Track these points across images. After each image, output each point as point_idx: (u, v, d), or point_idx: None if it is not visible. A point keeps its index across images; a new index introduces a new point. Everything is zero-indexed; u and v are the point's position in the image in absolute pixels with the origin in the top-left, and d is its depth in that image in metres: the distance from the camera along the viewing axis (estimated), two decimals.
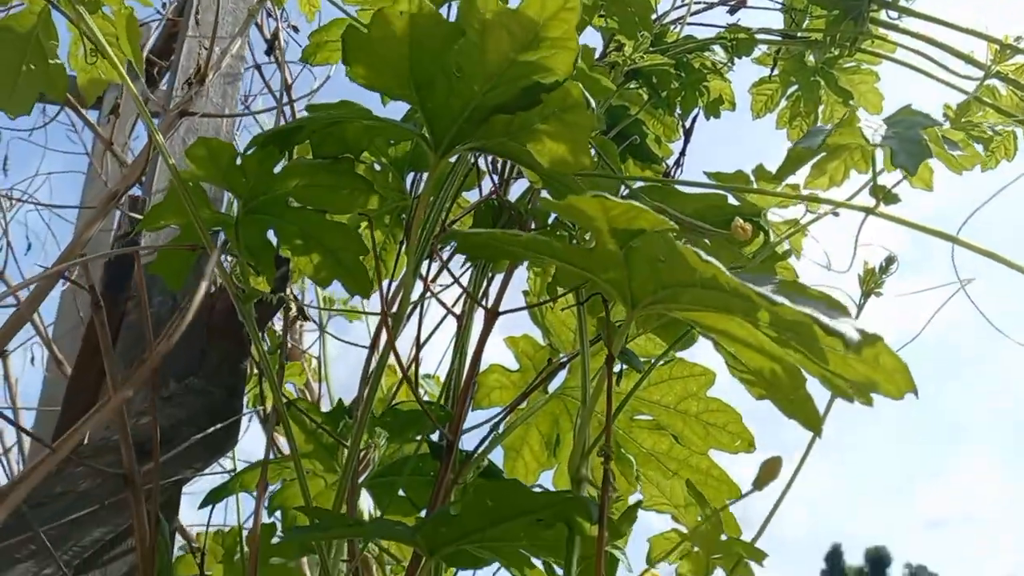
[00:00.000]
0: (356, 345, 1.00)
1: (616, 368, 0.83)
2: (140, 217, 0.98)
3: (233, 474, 0.92)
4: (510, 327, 1.00)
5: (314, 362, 1.47)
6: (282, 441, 1.21)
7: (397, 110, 0.95)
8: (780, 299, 0.41)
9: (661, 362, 0.91)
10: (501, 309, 0.83)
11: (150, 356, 0.75)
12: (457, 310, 0.99)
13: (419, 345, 0.98)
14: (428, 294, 0.99)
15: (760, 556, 0.59)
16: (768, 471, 0.52)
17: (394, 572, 1.09)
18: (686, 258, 0.47)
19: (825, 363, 0.52)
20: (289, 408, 0.91)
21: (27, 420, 2.29)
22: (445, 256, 1.07)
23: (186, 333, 0.95)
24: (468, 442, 0.87)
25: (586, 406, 0.65)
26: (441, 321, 1.03)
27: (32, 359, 2.14)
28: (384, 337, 0.95)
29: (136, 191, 1.05)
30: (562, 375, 1.01)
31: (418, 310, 1.00)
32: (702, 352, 0.95)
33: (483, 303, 0.86)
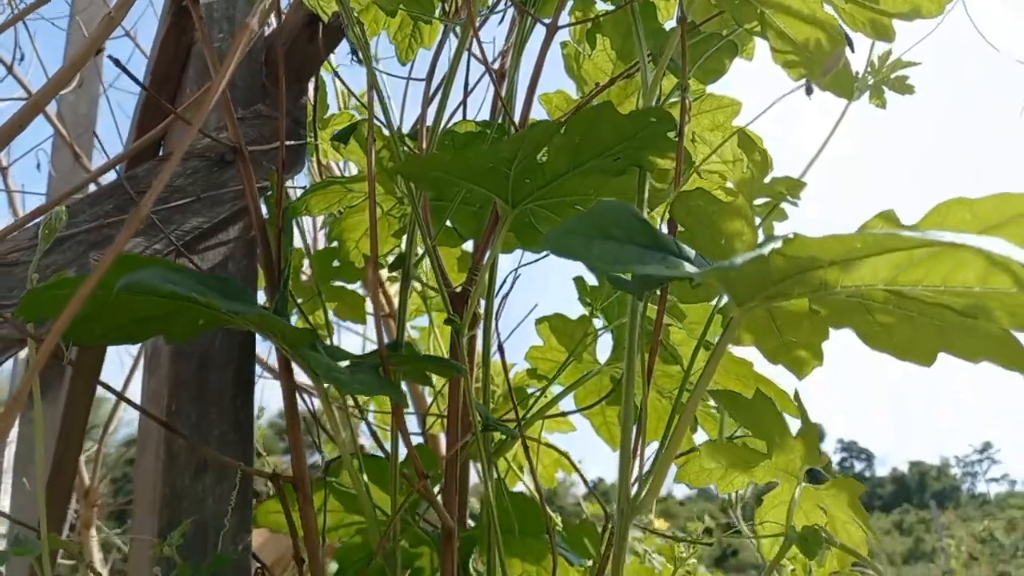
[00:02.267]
0: (413, 79, 1.07)
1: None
2: None
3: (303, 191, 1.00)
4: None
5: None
6: (344, 166, 1.29)
7: None
8: None
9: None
10: (559, 24, 0.91)
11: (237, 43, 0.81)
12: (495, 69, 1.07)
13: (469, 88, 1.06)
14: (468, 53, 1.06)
15: (798, 187, 0.71)
16: (835, 59, 0.62)
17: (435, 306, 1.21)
18: None
19: (875, 2, 0.62)
20: (355, 130, 0.99)
21: None
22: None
23: (245, 69, 1.01)
24: None
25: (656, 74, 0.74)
26: (482, 77, 1.10)
27: (38, 165, 2.16)
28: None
29: None
30: None
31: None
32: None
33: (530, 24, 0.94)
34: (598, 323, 0.99)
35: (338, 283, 1.10)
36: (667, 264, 0.51)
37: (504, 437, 0.93)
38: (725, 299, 0.67)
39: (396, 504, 0.75)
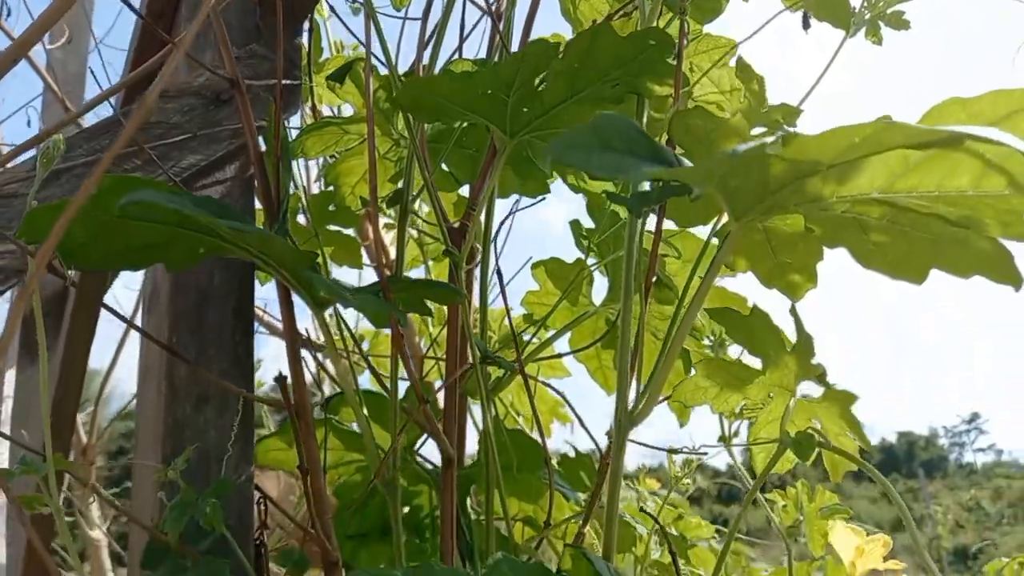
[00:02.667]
0: (409, 19, 1.06)
1: None
2: None
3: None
4: None
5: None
6: (338, 112, 1.29)
7: None
8: None
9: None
10: None
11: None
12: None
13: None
14: None
15: (795, 115, 0.71)
16: None
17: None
18: None
19: None
20: (351, 68, 0.98)
21: None
22: None
23: (239, 8, 1.00)
24: None
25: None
26: (479, 20, 1.09)
27: (28, 122, 2.14)
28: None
29: None
30: None
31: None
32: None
33: None
34: (594, 263, 1.00)
35: (334, 228, 1.10)
36: (666, 169, 0.52)
37: (502, 374, 0.94)
38: (723, 221, 0.67)
39: (395, 432, 0.76)
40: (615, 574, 0.51)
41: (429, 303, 0.85)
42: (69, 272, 0.64)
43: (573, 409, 1.05)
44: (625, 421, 0.57)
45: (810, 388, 0.62)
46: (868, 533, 1.10)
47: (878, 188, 0.51)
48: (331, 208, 1.08)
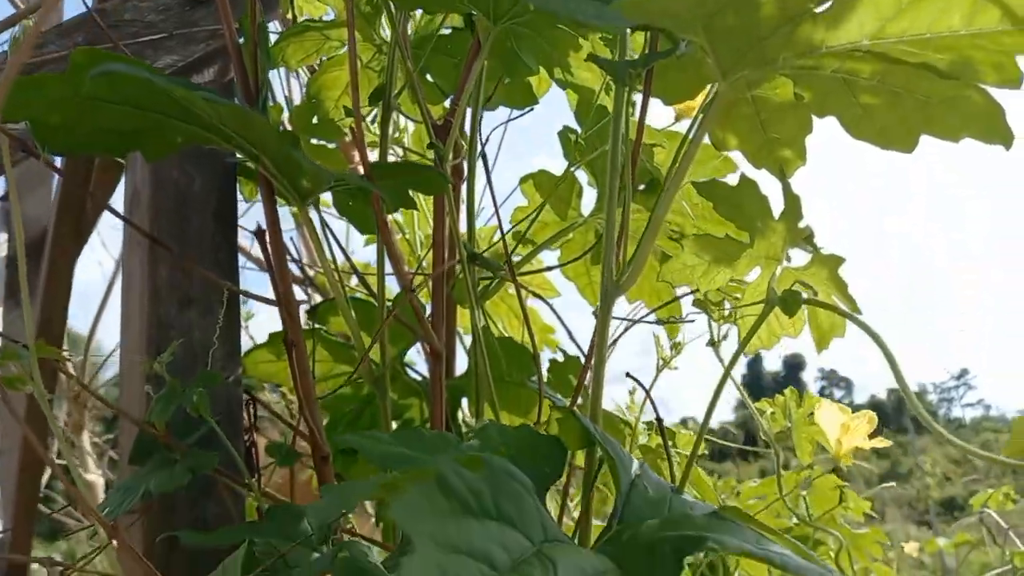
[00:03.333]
0: None
1: None
2: None
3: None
4: None
5: None
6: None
7: None
8: None
9: None
10: None
11: None
12: None
13: None
14: None
15: None
16: None
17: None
18: None
19: None
20: None
21: None
22: None
23: None
24: None
25: None
26: None
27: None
28: None
29: None
30: None
31: None
32: None
33: None
34: (583, 178, 0.99)
35: (318, 142, 1.08)
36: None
37: (489, 283, 0.94)
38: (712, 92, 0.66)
39: (383, 317, 0.75)
40: (602, 434, 0.51)
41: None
42: (46, 154, 0.63)
43: (561, 319, 1.04)
44: (611, 288, 0.56)
45: (797, 261, 0.61)
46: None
47: (868, 34, 0.50)
48: (314, 121, 1.06)
